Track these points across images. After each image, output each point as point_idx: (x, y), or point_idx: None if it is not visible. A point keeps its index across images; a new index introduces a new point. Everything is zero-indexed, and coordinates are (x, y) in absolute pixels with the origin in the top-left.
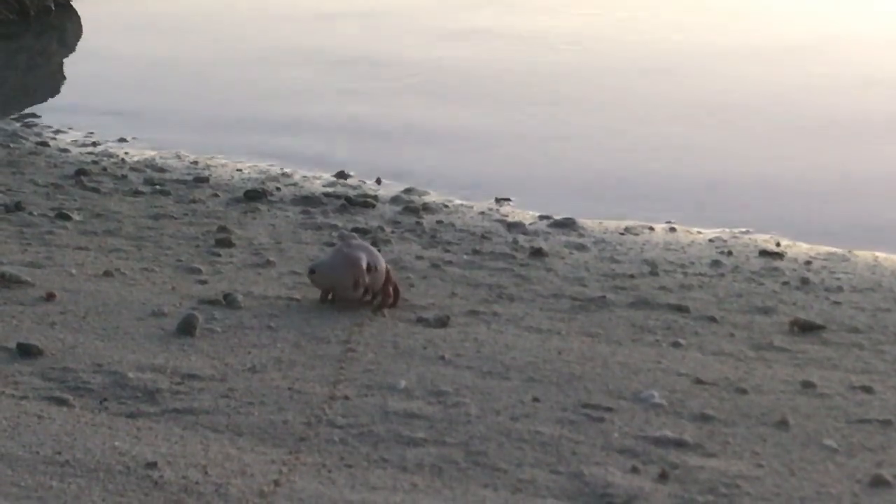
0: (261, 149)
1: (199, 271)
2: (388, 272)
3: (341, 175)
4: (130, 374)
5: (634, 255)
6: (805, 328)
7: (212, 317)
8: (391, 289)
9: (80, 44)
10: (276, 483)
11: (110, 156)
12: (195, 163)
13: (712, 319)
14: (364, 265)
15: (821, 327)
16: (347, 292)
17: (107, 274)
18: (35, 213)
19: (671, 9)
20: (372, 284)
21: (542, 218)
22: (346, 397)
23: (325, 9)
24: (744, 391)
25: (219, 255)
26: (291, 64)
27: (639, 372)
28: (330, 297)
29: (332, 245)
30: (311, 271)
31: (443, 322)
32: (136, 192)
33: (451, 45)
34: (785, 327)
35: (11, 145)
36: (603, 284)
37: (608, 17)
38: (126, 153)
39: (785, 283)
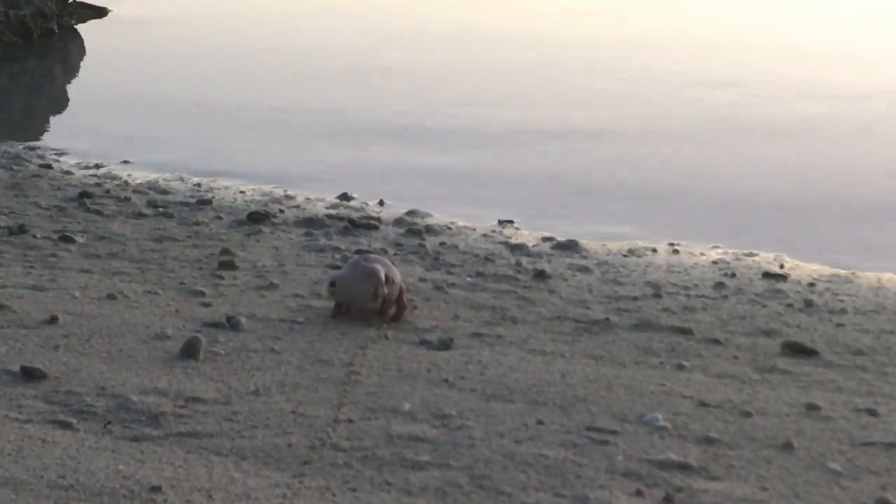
0: (263, 171)
1: (202, 294)
2: (400, 285)
3: (344, 197)
4: (134, 398)
5: (637, 276)
6: (797, 351)
7: (215, 340)
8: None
9: (83, 66)
10: None
11: (113, 178)
12: (198, 185)
13: (716, 342)
14: (382, 276)
15: (813, 352)
16: (367, 303)
17: (110, 297)
18: (38, 236)
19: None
20: (388, 295)
21: (545, 240)
22: (350, 420)
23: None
24: (748, 414)
25: (222, 278)
26: (292, 83)
27: (643, 394)
28: (344, 309)
29: (336, 267)
30: (332, 284)
31: (446, 344)
32: (140, 215)
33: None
34: (788, 350)
35: (15, 168)
36: (606, 307)
37: (595, 23)
38: (129, 175)
39: (788, 306)
